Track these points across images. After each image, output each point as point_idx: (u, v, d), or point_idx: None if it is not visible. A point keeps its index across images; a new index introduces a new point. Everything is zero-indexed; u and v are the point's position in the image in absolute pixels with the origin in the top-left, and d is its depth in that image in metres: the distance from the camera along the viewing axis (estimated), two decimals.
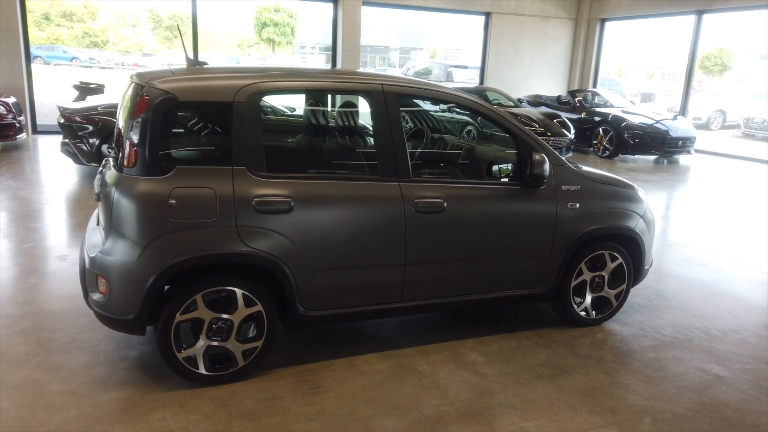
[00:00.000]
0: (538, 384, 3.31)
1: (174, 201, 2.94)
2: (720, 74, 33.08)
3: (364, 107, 3.64)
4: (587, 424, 2.95)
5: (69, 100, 8.68)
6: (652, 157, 12.52)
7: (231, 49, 40.40)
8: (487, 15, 15.04)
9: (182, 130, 3.09)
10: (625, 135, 11.84)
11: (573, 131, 11.27)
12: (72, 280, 4.50)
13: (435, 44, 44.18)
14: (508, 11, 15.07)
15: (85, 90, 8.99)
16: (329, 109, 4.13)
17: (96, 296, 3.06)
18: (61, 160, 8.84)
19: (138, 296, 2.95)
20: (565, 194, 3.77)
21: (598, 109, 12.79)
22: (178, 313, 3.02)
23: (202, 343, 3.11)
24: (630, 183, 4.20)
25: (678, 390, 3.31)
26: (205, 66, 3.58)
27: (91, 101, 8.47)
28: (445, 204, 3.44)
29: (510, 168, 3.76)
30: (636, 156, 12.43)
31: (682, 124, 12.40)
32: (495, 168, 3.77)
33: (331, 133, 3.98)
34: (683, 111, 13.98)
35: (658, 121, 12.07)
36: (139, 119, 2.95)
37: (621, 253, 4.02)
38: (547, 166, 3.55)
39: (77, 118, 7.73)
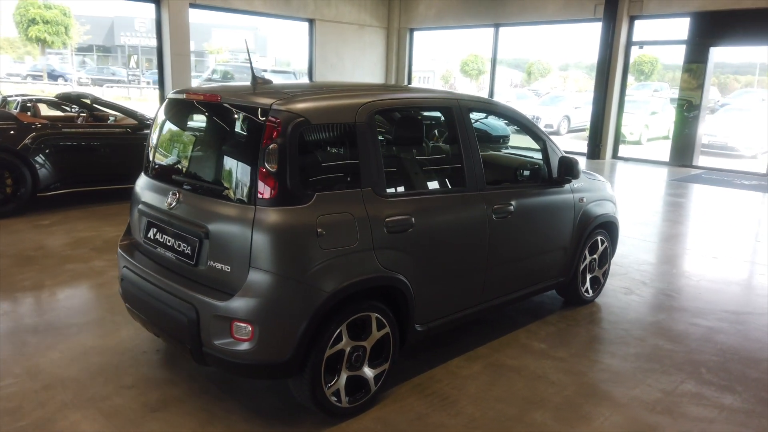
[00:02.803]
0: (607, 358, 3.79)
1: (321, 230, 2.77)
2: (476, 78, 37.63)
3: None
4: (670, 382, 3.52)
5: None
6: None
7: None
8: (311, 21, 15.27)
9: (313, 155, 2.89)
10: None
11: None
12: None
13: (267, 50, 42.93)
14: (329, 18, 15.47)
15: None
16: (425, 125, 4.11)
17: (238, 346, 2.71)
18: None
19: (294, 335, 2.72)
20: (576, 190, 4.32)
21: None
22: (327, 347, 2.85)
23: (344, 374, 2.97)
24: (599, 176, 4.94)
25: (691, 339, 4.08)
26: (272, 84, 3.34)
27: None
28: (513, 208, 3.74)
29: (539, 170, 4.17)
30: None
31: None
32: (526, 172, 4.16)
33: (427, 148, 4.00)
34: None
35: None
36: (274, 146, 2.70)
37: (606, 236, 4.73)
38: (579, 166, 4.06)
39: None
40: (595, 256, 4.66)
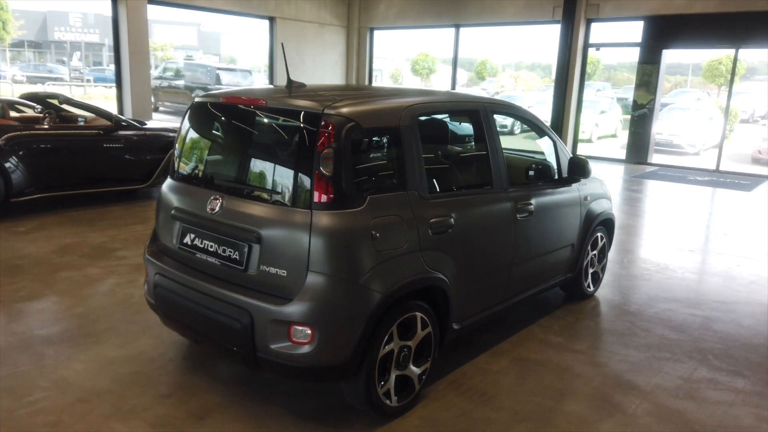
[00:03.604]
0: (622, 349, 3.97)
1: (376, 232, 2.81)
2: (427, 77, 38.04)
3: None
4: (684, 369, 3.73)
5: None
6: None
7: None
8: (271, 19, 15.09)
9: (364, 159, 2.91)
10: None
11: None
12: None
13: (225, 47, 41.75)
14: (290, 17, 15.33)
15: None
16: (454, 127, 4.15)
17: (297, 349, 2.72)
18: None
19: (352, 337, 2.75)
20: (581, 189, 4.50)
21: None
22: (381, 347, 2.89)
23: (393, 374, 3.01)
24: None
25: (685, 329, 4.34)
26: (306, 86, 3.34)
27: None
28: (533, 207, 3.87)
29: (550, 170, 4.31)
30: None
31: None
32: (538, 172, 4.29)
33: (460, 149, 4.05)
34: None
35: None
36: (329, 150, 2.72)
37: (605, 233, 4.94)
38: (590, 166, 4.24)
39: None
40: (595, 251, 4.86)
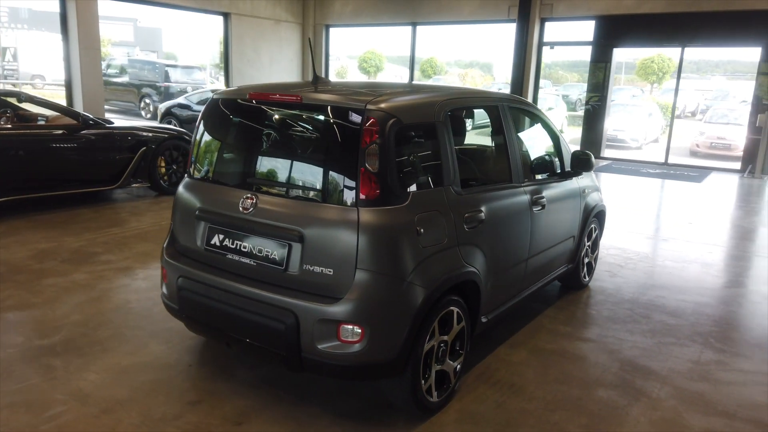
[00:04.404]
0: (629, 336, 4.11)
1: (420, 228, 2.80)
2: (374, 74, 38.09)
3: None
4: (692, 353, 3.89)
5: None
6: None
7: None
8: (226, 15, 14.74)
9: (405, 154, 2.88)
10: None
11: None
12: None
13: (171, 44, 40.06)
14: (245, 13, 15.02)
15: None
16: (475, 122, 4.14)
17: (346, 349, 2.67)
18: None
19: (401, 334, 2.73)
20: (581, 182, 4.63)
21: None
22: (425, 343, 2.88)
23: (434, 369, 3.01)
24: None
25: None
26: (332, 82, 3.29)
27: None
28: (545, 200, 3.95)
29: (553, 163, 4.40)
30: None
31: None
32: (544, 165, 4.38)
33: (481, 144, 4.05)
34: None
35: None
36: (374, 146, 2.69)
37: (597, 224, 5.10)
38: (593, 160, 4.36)
39: None
40: (590, 242, 5.01)
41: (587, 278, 5.06)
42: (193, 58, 33.57)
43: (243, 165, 3.17)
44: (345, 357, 2.70)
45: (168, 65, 18.61)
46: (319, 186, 2.83)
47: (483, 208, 3.24)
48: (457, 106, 3.32)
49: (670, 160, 13.68)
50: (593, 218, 4.90)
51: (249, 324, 2.86)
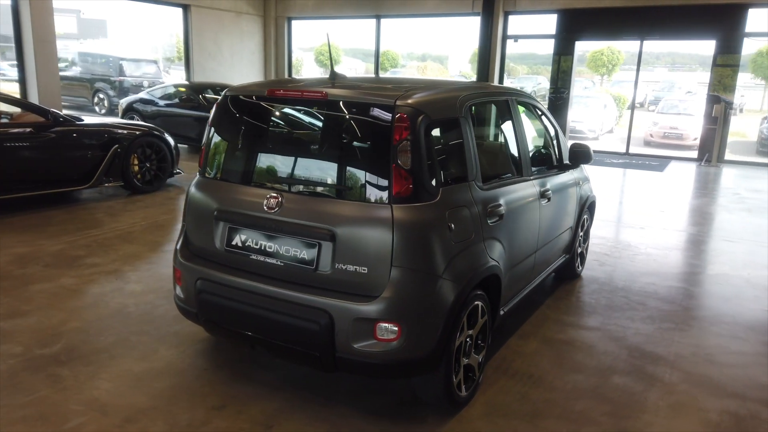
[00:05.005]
0: (630, 323, 4.22)
1: (451, 224, 2.80)
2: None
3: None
4: (692, 337, 4.04)
5: None
6: None
7: None
8: (185, 7, 14.35)
9: (434, 150, 2.86)
10: None
11: None
12: None
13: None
14: (205, 5, 14.65)
15: None
16: (489, 116, 4.11)
17: (382, 347, 2.65)
18: None
19: (437, 330, 2.74)
20: (575, 174, 4.72)
21: None
22: (457, 338, 2.90)
23: (462, 364, 3.02)
24: None
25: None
26: (347, 77, 3.24)
27: None
28: (550, 192, 4.01)
29: (551, 156, 4.47)
30: None
31: None
32: (544, 158, 4.44)
33: (498, 138, 4.03)
34: None
35: None
36: (406, 142, 2.68)
37: (589, 215, 5.21)
38: (592, 152, 4.44)
39: None
40: (582, 233, 5.12)
41: (580, 268, 5.17)
42: (141, 51, 32.48)
43: (264, 163, 3.09)
44: (381, 355, 2.68)
45: (123, 59, 17.97)
46: (349, 184, 2.79)
47: (502, 202, 3.27)
48: (476, 100, 3.32)
49: (623, 149, 14.11)
50: (586, 209, 5.01)
51: (279, 325, 2.81)
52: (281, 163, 3.03)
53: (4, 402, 2.98)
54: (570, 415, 3.06)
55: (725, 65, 12.50)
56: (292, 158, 3.02)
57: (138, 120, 12.28)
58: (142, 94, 12.35)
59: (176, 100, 11.58)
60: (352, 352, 2.69)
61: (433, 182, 2.78)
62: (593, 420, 3.02)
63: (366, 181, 2.74)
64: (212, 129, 3.24)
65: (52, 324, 3.87)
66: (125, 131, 7.48)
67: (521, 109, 4.06)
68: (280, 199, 2.85)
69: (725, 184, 10.49)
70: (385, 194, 2.67)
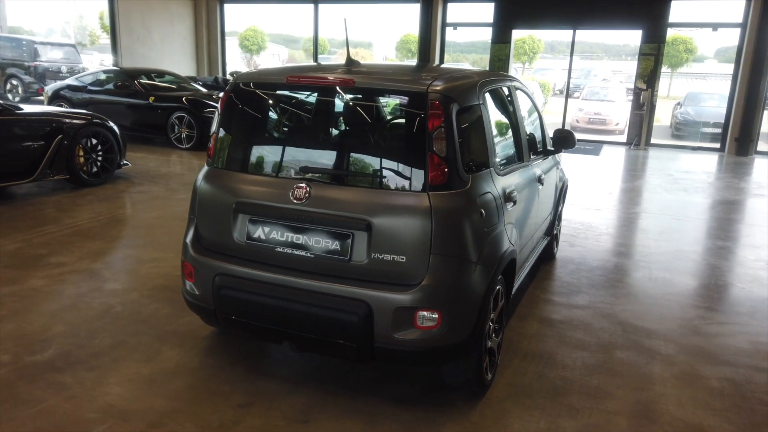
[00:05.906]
0: (615, 300, 4.43)
1: (482, 210, 2.83)
2: (257, 53, 36.86)
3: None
4: (681, 310, 4.29)
5: None
6: None
7: None
8: None
9: (463, 137, 2.85)
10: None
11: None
12: None
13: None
14: None
15: None
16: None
17: (422, 335, 2.65)
18: None
19: (473, 315, 2.76)
20: (555, 158, 4.87)
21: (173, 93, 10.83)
22: (486, 323, 2.93)
23: (486, 348, 3.07)
24: None
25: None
26: (362, 63, 3.18)
27: None
28: (543, 177, 4.12)
29: (537, 141, 4.57)
30: None
31: None
32: (535, 143, 4.53)
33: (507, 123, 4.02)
34: None
35: None
36: (441, 130, 2.67)
37: (562, 197, 5.40)
38: (575, 137, 4.59)
39: None
40: (557, 215, 5.30)
41: (556, 249, 5.36)
42: (46, 34, 30.33)
43: (289, 153, 2.97)
44: (420, 343, 2.68)
45: (38, 42, 16.74)
46: (383, 173, 2.75)
47: (515, 187, 3.33)
48: (490, 87, 3.35)
49: None
50: (563, 192, 5.19)
51: (313, 318, 2.74)
52: (306, 153, 2.93)
53: (11, 415, 2.75)
54: (589, 390, 3.18)
55: (649, 54, 13.20)
56: (318, 148, 2.94)
57: (67, 108, 11.54)
58: (70, 81, 11.60)
59: (110, 87, 10.94)
60: (391, 342, 2.67)
61: (465, 169, 2.79)
62: (611, 394, 3.16)
63: (400, 170, 2.71)
64: (221, 118, 3.09)
65: (35, 329, 3.60)
66: (69, 120, 7.00)
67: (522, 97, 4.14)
68: (308, 189, 2.77)
69: (656, 165, 11.13)
70: (420, 182, 2.66)
